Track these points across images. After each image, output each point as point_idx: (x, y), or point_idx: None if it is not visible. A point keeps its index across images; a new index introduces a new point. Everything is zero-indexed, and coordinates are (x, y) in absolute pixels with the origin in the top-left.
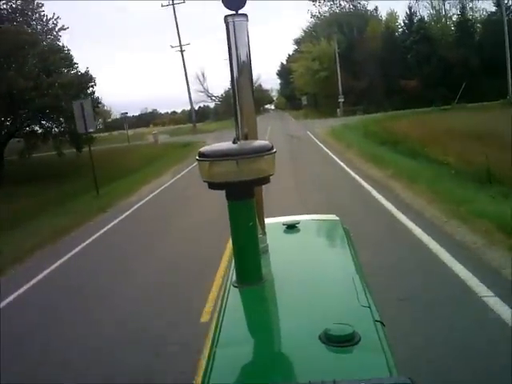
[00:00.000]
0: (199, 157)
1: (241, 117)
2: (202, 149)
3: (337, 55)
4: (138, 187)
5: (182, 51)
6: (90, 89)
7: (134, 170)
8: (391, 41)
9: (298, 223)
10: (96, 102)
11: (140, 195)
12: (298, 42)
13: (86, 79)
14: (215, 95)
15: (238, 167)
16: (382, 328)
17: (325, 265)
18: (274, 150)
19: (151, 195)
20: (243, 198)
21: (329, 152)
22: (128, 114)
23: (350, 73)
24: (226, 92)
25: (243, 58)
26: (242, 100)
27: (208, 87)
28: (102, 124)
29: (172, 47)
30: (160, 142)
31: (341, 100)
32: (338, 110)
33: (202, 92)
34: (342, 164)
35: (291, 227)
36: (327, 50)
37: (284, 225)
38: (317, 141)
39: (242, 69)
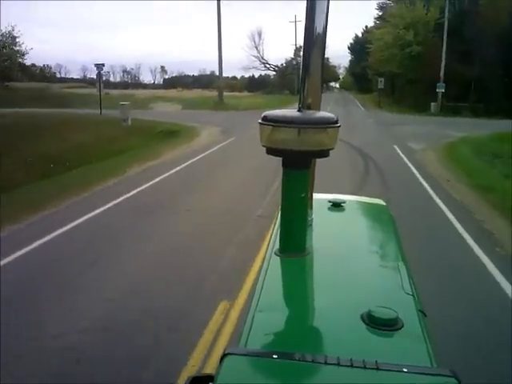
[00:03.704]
0: (262, 120)
1: (307, 86)
2: (266, 112)
3: (446, 23)
4: None
5: None
6: None
7: None
8: None
9: (344, 202)
10: None
11: None
12: (382, 6)
13: None
14: (270, 63)
15: (299, 136)
16: (424, 318)
17: (369, 247)
18: (339, 124)
19: None
20: (300, 168)
21: None
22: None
23: (454, 53)
24: (288, 62)
25: (319, 28)
26: (310, 69)
27: (263, 52)
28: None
29: None
30: (135, 119)
31: (440, 90)
32: (433, 104)
33: (255, 57)
34: None
35: (337, 205)
36: (425, 18)
37: (329, 202)
38: (442, 206)
39: (316, 37)
